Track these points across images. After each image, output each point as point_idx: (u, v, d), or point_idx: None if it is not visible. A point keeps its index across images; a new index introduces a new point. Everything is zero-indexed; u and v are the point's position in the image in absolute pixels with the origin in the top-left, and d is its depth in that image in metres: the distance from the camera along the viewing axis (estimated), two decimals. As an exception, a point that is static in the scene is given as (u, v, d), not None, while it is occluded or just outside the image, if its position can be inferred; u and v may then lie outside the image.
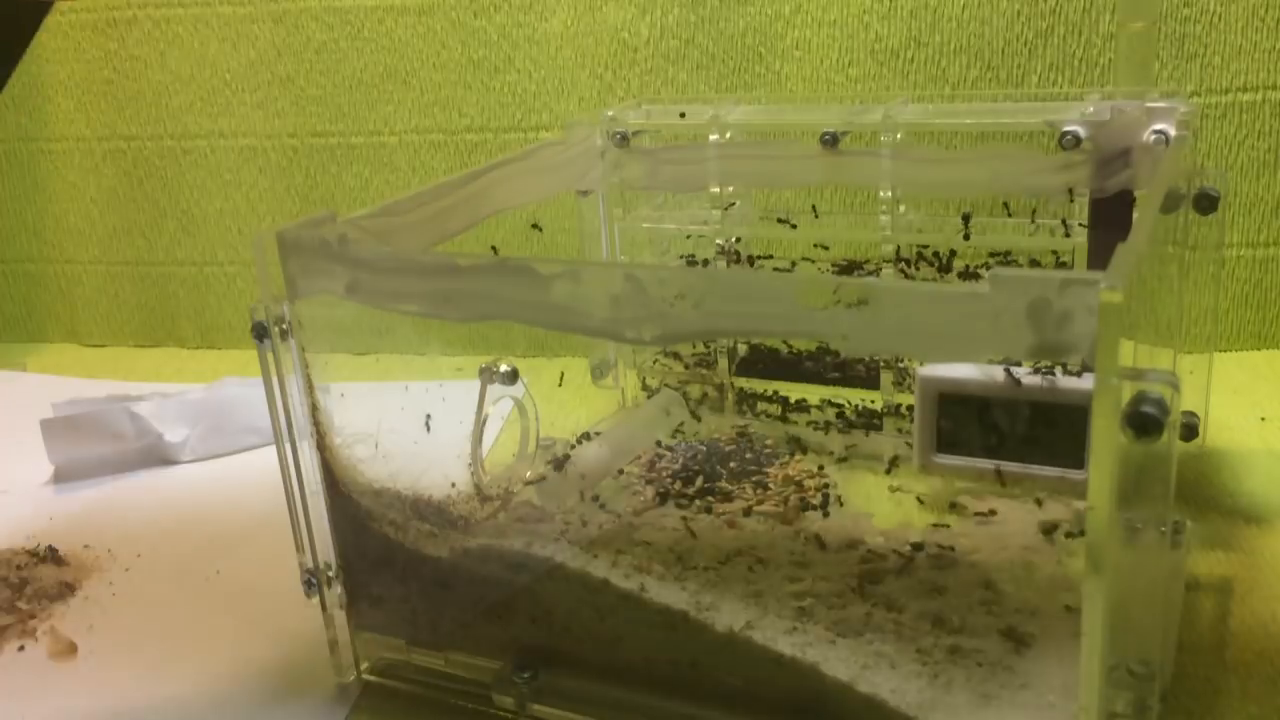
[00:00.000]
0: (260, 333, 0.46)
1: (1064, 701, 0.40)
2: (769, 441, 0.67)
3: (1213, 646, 0.48)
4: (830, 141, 0.62)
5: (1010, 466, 0.57)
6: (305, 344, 0.46)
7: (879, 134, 0.62)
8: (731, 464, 0.64)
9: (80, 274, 1.01)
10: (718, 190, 0.67)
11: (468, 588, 0.48)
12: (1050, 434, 0.55)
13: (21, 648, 0.54)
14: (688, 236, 0.71)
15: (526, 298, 0.41)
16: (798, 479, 0.62)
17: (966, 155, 0.60)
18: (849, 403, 0.68)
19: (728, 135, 0.66)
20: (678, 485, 0.62)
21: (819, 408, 0.69)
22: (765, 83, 0.83)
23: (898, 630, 0.44)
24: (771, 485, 0.62)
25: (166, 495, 0.70)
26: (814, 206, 0.68)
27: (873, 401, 0.67)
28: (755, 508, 0.59)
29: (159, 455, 0.74)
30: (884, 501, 0.61)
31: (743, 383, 0.70)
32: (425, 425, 0.54)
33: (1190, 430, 0.54)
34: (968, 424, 0.57)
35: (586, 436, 0.67)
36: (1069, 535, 0.54)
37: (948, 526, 0.57)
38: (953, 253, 0.63)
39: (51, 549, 0.62)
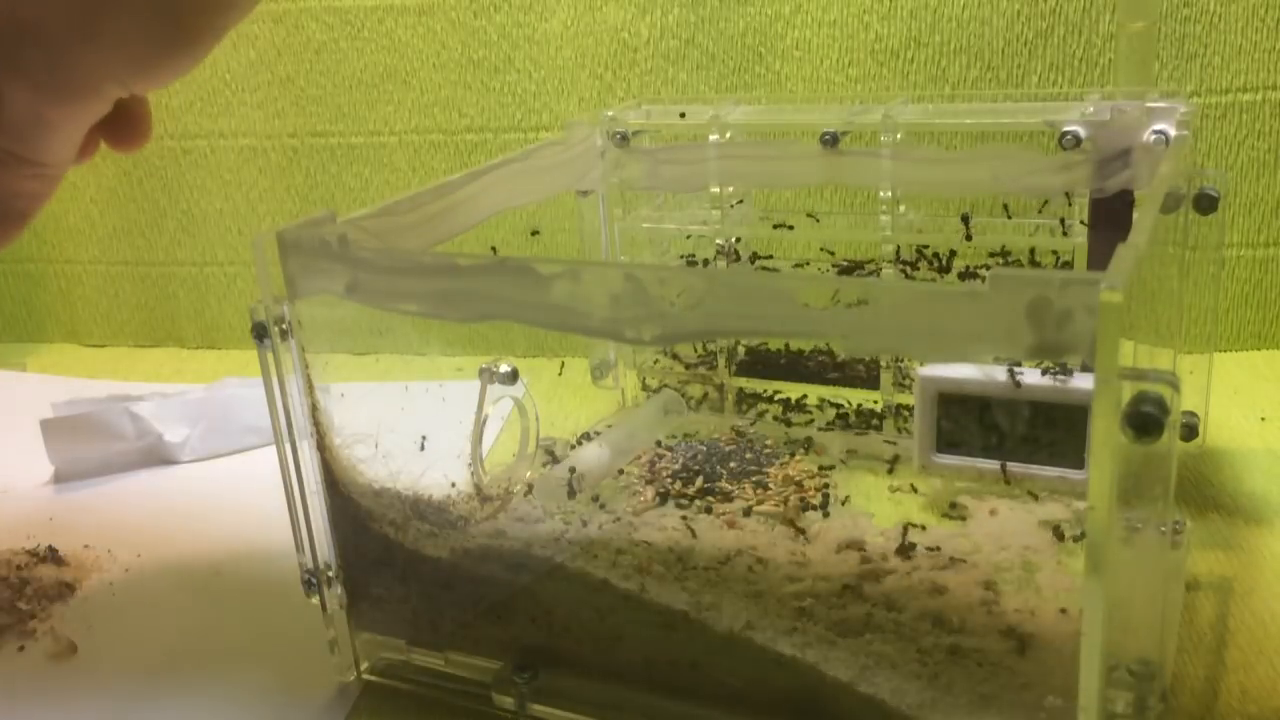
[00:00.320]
0: (260, 333, 0.46)
1: (1064, 701, 0.40)
2: (769, 441, 0.67)
3: (1213, 646, 0.48)
4: (830, 141, 0.62)
5: (1010, 466, 0.57)
6: (305, 344, 0.46)
7: (879, 134, 0.62)
8: (731, 464, 0.64)
9: (80, 274, 1.01)
10: (718, 190, 0.68)
11: (468, 588, 0.48)
12: (1050, 434, 0.55)
13: (21, 648, 0.54)
14: (688, 236, 0.71)
15: (526, 298, 0.41)
16: (798, 479, 0.62)
17: (966, 155, 0.60)
18: (849, 403, 0.68)
19: (728, 135, 0.66)
20: (678, 485, 0.62)
21: (819, 408, 0.69)
22: (765, 83, 0.83)
23: (898, 630, 0.44)
24: (771, 485, 0.62)
25: (166, 495, 0.70)
26: (810, 213, 0.69)
27: (873, 402, 0.67)
28: (755, 508, 0.59)
29: (159, 455, 0.74)
30: (884, 501, 0.61)
31: (742, 383, 0.70)
32: (420, 445, 0.54)
33: (1190, 430, 0.54)
34: (968, 424, 0.57)
35: (586, 436, 0.68)
36: (1074, 539, 0.54)
37: (963, 520, 0.57)
38: (953, 253, 0.64)
39: (51, 549, 0.62)
